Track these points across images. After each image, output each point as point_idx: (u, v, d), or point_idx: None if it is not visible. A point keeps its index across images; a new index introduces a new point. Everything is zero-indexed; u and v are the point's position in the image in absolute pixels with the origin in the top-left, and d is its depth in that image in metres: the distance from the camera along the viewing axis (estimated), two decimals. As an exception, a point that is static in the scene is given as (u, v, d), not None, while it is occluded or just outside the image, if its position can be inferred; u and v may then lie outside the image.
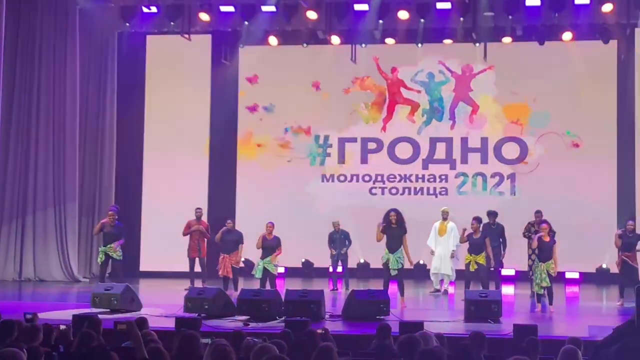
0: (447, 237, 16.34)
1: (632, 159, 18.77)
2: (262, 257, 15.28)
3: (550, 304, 13.74)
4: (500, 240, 16.05)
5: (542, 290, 13.75)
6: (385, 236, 14.25)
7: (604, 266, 18.09)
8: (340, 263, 16.95)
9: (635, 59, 18.73)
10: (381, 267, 14.46)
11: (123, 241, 15.78)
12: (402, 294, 14.18)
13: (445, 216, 16.49)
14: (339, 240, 16.87)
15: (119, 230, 15.56)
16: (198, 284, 15.91)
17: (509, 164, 19.46)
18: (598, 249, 16.96)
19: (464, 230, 15.17)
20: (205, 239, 16.84)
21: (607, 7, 16.87)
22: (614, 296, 14.99)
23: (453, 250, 16.27)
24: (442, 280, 16.49)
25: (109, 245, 15.49)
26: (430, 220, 16.70)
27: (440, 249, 16.39)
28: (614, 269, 15.40)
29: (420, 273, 17.33)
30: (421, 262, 17.49)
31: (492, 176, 19.47)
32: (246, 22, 17.96)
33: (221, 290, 13.24)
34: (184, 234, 16.88)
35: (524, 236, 16.07)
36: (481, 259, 14.81)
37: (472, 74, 19.53)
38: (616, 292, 14.72)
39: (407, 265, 14.57)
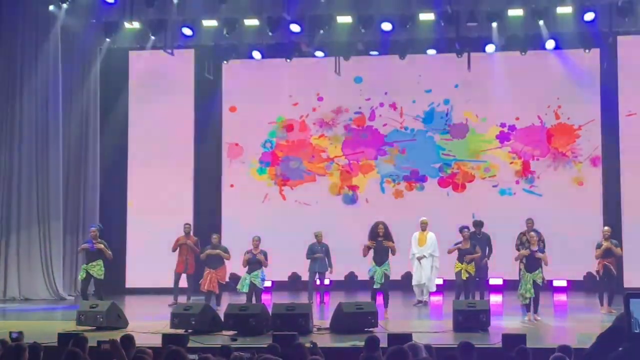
0: (426, 247, 16.30)
1: (616, 167, 18.84)
2: (249, 272, 15.22)
3: (535, 312, 13.73)
4: (487, 249, 16.05)
5: (527, 300, 13.75)
6: (371, 249, 14.27)
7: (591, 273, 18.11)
8: (317, 276, 16.81)
9: (618, 67, 18.83)
10: (368, 279, 14.44)
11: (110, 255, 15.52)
12: (386, 306, 14.18)
13: (424, 227, 16.44)
14: (319, 252, 16.72)
15: (104, 246, 15.36)
16: (182, 299, 15.78)
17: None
18: (585, 256, 16.89)
19: (456, 244, 15.18)
20: (194, 254, 16.74)
21: (589, 16, 16.93)
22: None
23: (433, 255, 16.19)
24: (423, 291, 16.45)
25: (90, 264, 15.30)
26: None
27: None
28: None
29: (408, 284, 17.27)
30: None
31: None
32: (226, 34, 17.90)
33: (208, 306, 13.17)
34: (173, 250, 16.80)
35: (517, 249, 15.92)
36: (472, 268, 14.83)
37: None
38: (604, 299, 14.72)
39: (393, 277, 14.60)
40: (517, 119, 19.41)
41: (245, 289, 15.08)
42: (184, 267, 16.74)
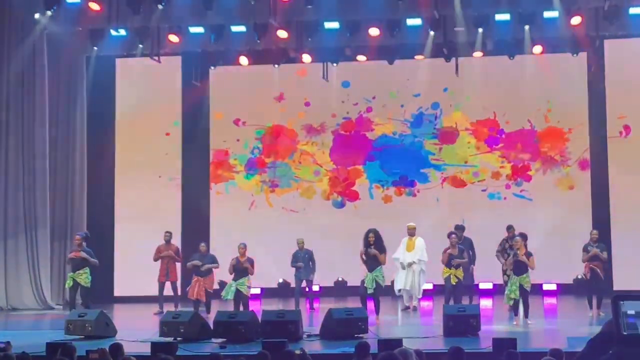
0: (415, 253, 16.24)
1: (605, 170, 18.87)
2: (235, 279, 15.16)
3: (526, 316, 13.74)
4: (470, 253, 16.04)
5: (512, 301, 13.75)
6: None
7: (580, 277, 18.12)
8: (305, 283, 16.76)
9: (605, 70, 18.88)
10: (358, 285, 14.43)
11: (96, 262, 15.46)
12: (377, 312, 14.15)
13: (412, 232, 16.39)
14: (303, 259, 16.68)
15: (87, 255, 15.25)
16: (168, 307, 15.71)
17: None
18: (575, 260, 16.93)
19: (445, 250, 15.11)
20: (177, 263, 16.67)
21: (575, 20, 16.96)
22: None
23: (421, 260, 16.12)
24: (411, 297, 16.42)
25: (77, 272, 15.18)
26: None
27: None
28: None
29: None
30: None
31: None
32: (213, 40, 17.84)
33: (197, 314, 13.10)
34: (154, 260, 16.74)
35: (498, 255, 15.96)
36: (460, 273, 14.83)
37: None
38: (593, 302, 14.75)
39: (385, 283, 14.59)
40: (507, 122, 19.42)
41: (230, 296, 15.02)
42: (165, 276, 16.69)
